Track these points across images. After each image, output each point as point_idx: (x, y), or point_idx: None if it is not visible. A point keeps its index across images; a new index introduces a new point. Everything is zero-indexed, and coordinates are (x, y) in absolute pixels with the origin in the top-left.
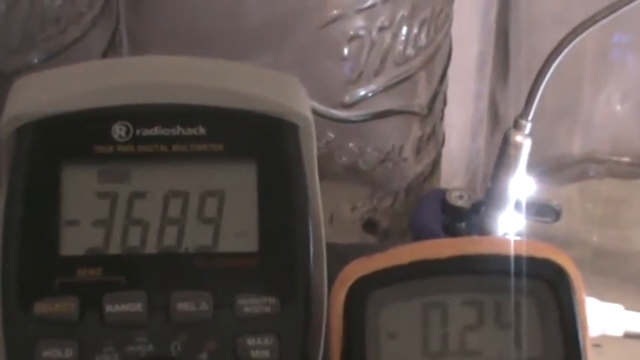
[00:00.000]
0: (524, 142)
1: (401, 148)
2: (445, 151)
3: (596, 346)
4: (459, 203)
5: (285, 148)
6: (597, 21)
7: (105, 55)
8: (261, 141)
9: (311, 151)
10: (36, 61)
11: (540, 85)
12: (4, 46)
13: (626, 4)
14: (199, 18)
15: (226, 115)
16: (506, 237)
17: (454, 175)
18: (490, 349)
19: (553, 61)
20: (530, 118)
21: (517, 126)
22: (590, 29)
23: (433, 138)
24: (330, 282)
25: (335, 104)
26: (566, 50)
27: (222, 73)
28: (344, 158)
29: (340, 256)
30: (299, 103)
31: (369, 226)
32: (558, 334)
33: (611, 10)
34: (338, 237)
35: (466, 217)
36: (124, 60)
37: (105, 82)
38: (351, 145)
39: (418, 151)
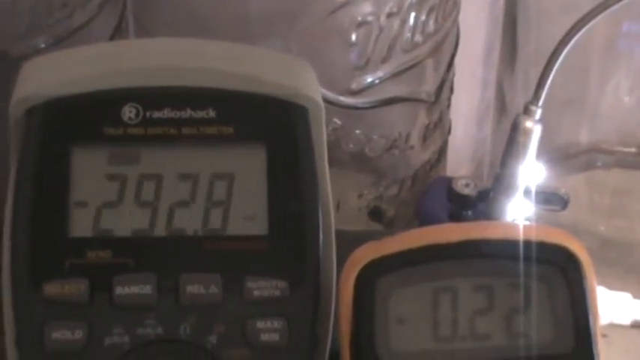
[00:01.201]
0: (534, 128)
1: (407, 136)
2: (451, 139)
3: (603, 336)
4: (465, 191)
5: (295, 131)
6: (608, 6)
7: (111, 40)
8: (270, 124)
9: (320, 134)
10: (43, 45)
11: (551, 70)
12: (11, 30)
13: None
14: (206, 4)
15: (236, 98)
16: (518, 222)
17: (460, 163)
18: (500, 334)
19: (565, 46)
20: (540, 104)
21: (527, 112)
22: (603, 14)
23: (440, 126)
24: (337, 268)
25: (342, 91)
26: (577, 36)
27: (232, 55)
28: (351, 145)
29: (347, 243)
30: (309, 86)
31: (375, 213)
32: (569, 319)
33: None
34: (344, 224)
35: (472, 205)
36: (133, 42)
37: (115, 64)
38: (357, 132)
39: (425, 138)
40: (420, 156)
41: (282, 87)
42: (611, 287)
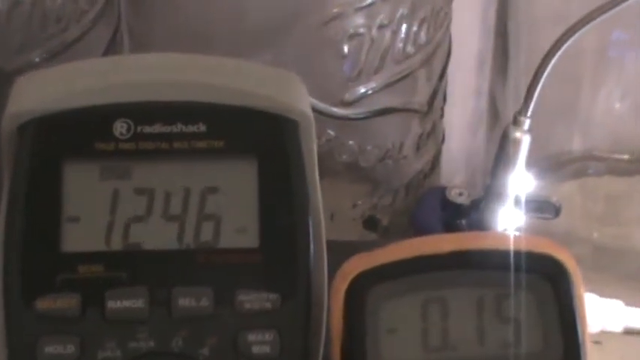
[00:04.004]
0: (523, 138)
1: (401, 146)
2: (445, 148)
3: (596, 342)
4: (459, 200)
5: (285, 144)
6: (595, 18)
7: (106, 54)
8: (261, 137)
9: (311, 147)
10: (37, 60)
11: (539, 81)
12: (5, 45)
13: (624, 0)
14: (200, 17)
15: (227, 112)
16: (506, 232)
17: (454, 173)
18: (490, 343)
19: (552, 57)
20: (528, 114)
21: (516, 122)
22: (589, 25)
23: (433, 135)
24: (330, 279)
25: (335, 102)
26: (565, 46)
27: (222, 70)
28: (344, 156)
29: (341, 254)
30: (299, 99)
31: (370, 223)
32: (557, 328)
33: (609, 6)
34: (339, 235)
35: (466, 213)
36: (125, 57)
37: (106, 80)
38: (351, 142)
39: (418, 148)
40: (413, 166)
41: (273, 101)
42: (603, 294)
